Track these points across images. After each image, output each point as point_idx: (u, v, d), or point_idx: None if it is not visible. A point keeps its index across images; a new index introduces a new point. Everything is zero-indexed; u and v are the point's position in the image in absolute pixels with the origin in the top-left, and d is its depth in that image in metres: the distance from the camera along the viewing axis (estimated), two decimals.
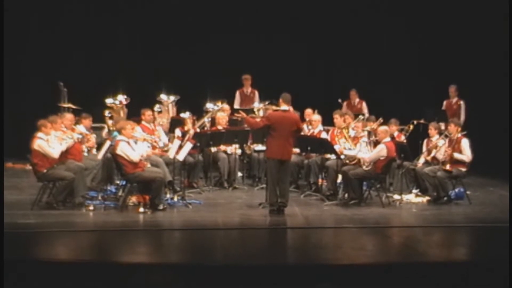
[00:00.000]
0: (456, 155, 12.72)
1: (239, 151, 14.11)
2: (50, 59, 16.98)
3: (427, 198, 12.90)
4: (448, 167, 12.67)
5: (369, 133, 13.39)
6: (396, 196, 12.89)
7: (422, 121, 14.81)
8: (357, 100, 16.64)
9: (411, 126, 14.02)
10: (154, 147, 12.55)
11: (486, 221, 11.65)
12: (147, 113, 13.17)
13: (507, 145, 14.19)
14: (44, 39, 17.22)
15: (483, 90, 16.23)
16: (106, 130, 13.44)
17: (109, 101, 13.40)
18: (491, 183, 14.66)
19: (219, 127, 13.90)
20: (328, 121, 14.06)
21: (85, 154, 12.60)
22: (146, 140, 11.99)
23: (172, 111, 14.06)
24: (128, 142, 11.65)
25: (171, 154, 12.27)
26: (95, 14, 17.28)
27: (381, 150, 12.32)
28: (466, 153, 12.76)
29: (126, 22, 17.37)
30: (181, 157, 12.26)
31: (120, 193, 12.30)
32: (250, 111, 14.70)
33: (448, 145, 12.88)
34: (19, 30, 16.89)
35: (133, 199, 11.94)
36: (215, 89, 14.64)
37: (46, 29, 17.29)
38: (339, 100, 15.97)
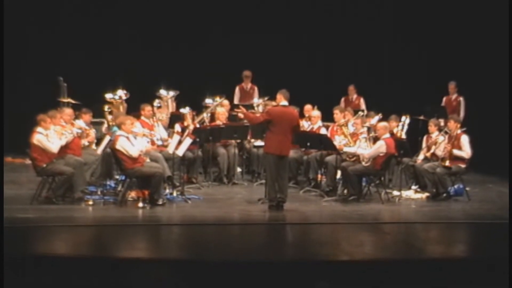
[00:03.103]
0: (456, 152, 12.72)
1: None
2: (50, 54, 16.97)
3: (426, 194, 12.90)
4: (447, 163, 12.67)
5: (369, 129, 13.39)
6: (395, 192, 12.90)
7: (421, 117, 14.82)
8: (355, 96, 16.64)
9: (405, 122, 13.94)
10: (153, 142, 12.55)
11: (485, 217, 11.66)
12: (147, 109, 13.15)
13: (506, 142, 14.18)
14: (44, 34, 17.20)
15: (482, 86, 16.21)
16: (105, 125, 13.43)
17: (108, 96, 13.40)
18: (490, 180, 14.65)
19: (219, 123, 13.89)
20: (327, 117, 14.07)
21: (84, 143, 12.54)
22: (145, 136, 11.98)
23: (171, 106, 14.06)
24: (127, 137, 11.64)
25: (170, 150, 12.27)
26: (95, 9, 17.26)
27: (381, 147, 12.32)
28: (465, 150, 12.76)
29: (127, 18, 17.35)
30: (180, 152, 12.27)
31: (119, 188, 12.30)
32: (250, 107, 14.71)
33: (447, 141, 12.88)
34: (19, 25, 16.87)
35: (132, 194, 11.94)
36: (215, 85, 14.64)
37: (46, 24, 17.26)
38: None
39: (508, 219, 10.80)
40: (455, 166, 12.68)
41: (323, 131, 13.64)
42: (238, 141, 14.09)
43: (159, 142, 12.82)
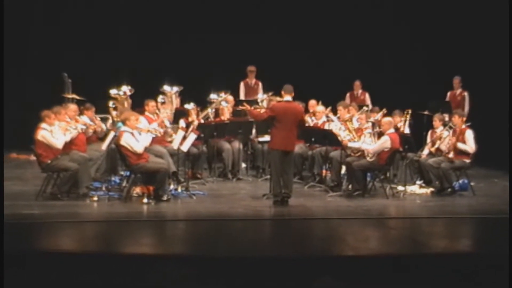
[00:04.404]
0: (460, 145, 12.69)
1: None
2: (55, 49, 16.99)
3: (431, 189, 12.90)
4: (451, 155, 12.67)
5: (373, 124, 13.38)
6: (400, 187, 12.88)
7: (426, 112, 14.81)
8: (360, 91, 16.66)
9: (407, 116, 13.93)
10: (162, 125, 12.55)
11: (490, 212, 11.63)
12: (151, 104, 13.14)
13: (508, 136, 14.18)
14: (48, 29, 17.21)
15: (487, 81, 16.19)
16: (110, 121, 13.44)
17: (113, 92, 13.40)
18: (495, 175, 14.64)
19: (223, 118, 13.89)
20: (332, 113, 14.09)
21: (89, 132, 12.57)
22: (150, 131, 11.97)
23: (175, 102, 14.06)
24: (132, 133, 11.64)
25: (175, 145, 12.27)
26: (99, 4, 17.26)
27: (385, 142, 12.30)
28: (469, 144, 12.74)
29: (130, 13, 17.36)
30: (185, 148, 12.26)
31: (124, 184, 12.30)
32: (254, 102, 14.71)
33: (452, 135, 12.86)
34: (23, 20, 16.90)
35: (137, 190, 11.94)
36: (219, 80, 14.65)
37: (50, 19, 17.28)
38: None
39: (509, 214, 10.78)
40: (459, 161, 12.67)
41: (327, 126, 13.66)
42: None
43: (168, 124, 12.78)
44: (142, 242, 9.70)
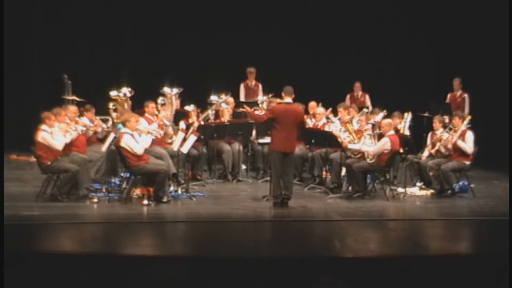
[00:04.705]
0: (460, 143, 12.67)
1: None
2: (55, 51, 16.99)
3: (431, 191, 12.90)
4: (449, 146, 12.68)
5: (373, 126, 13.38)
6: (400, 189, 12.88)
7: (426, 114, 14.81)
8: (360, 92, 16.65)
9: (407, 119, 13.93)
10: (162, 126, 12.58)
11: (490, 214, 11.65)
12: (151, 106, 13.13)
13: (508, 138, 14.17)
14: (48, 30, 17.21)
15: (487, 83, 16.20)
16: (110, 122, 13.44)
17: (113, 93, 13.40)
18: (495, 176, 14.62)
19: (223, 120, 13.89)
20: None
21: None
22: (150, 133, 11.97)
23: (175, 104, 14.05)
24: (132, 135, 11.64)
25: (175, 147, 12.27)
26: (99, 5, 17.26)
27: (385, 143, 12.30)
28: (468, 145, 12.73)
29: (131, 14, 17.36)
30: (185, 149, 12.26)
31: (124, 186, 12.30)
32: (255, 104, 14.70)
33: (452, 134, 12.86)
34: (23, 21, 16.89)
35: (137, 192, 11.93)
36: (219, 82, 14.65)
37: (50, 20, 17.26)
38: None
39: (509, 216, 10.78)
40: (459, 162, 12.67)
41: (327, 128, 13.65)
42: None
43: (167, 122, 12.79)
44: (142, 244, 9.71)
